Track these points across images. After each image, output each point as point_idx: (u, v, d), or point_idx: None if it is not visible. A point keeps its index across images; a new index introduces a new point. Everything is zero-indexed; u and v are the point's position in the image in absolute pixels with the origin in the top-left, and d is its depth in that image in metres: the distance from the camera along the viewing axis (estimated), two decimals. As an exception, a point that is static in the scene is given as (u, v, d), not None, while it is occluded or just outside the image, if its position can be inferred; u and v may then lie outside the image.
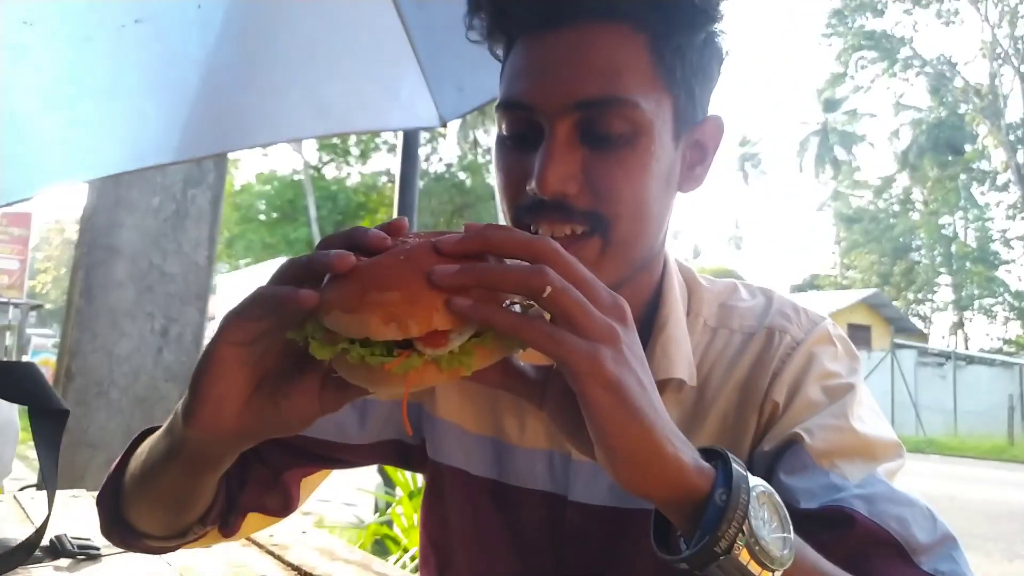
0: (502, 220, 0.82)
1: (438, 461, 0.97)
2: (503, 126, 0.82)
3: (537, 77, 0.78)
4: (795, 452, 0.79)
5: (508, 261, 0.57)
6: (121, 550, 0.88)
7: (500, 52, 0.86)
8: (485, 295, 0.53)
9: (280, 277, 0.58)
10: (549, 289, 0.52)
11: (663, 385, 0.84)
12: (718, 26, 0.82)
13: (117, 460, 0.85)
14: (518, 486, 0.93)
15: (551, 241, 0.56)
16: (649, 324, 0.88)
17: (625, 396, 0.54)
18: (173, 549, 0.87)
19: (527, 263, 0.55)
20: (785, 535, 0.57)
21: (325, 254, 0.54)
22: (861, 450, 0.78)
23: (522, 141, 0.80)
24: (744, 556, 0.55)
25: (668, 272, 0.91)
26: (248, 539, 1.14)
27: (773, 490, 0.59)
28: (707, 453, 0.61)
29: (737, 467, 0.58)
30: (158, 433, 0.76)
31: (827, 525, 0.71)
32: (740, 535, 0.55)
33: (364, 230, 0.57)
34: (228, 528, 0.91)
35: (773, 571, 0.56)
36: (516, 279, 0.53)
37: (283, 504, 0.97)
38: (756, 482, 0.58)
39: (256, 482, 0.93)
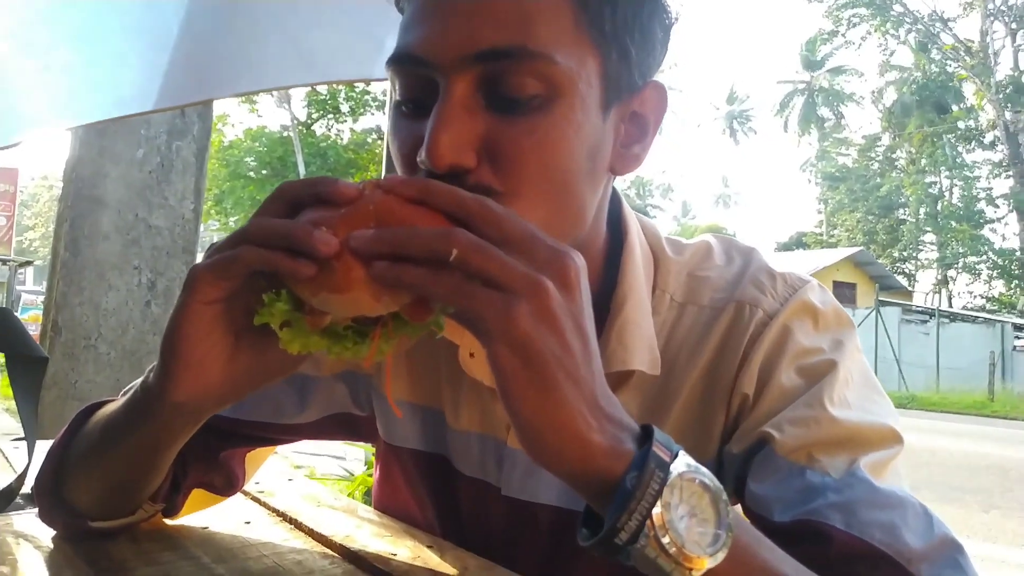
0: None
1: (391, 444, 0.92)
2: (396, 87, 0.69)
3: (432, 24, 0.64)
4: (765, 455, 0.68)
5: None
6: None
7: (404, 4, 0.72)
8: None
9: (255, 236, 0.54)
10: (455, 252, 0.49)
11: (621, 377, 0.75)
12: None
13: (56, 441, 0.81)
14: (458, 469, 0.86)
15: (484, 200, 0.53)
16: (603, 306, 0.75)
17: (533, 359, 0.49)
18: (116, 531, 0.83)
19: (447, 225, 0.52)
20: (717, 531, 0.51)
21: (308, 232, 0.50)
22: (842, 440, 0.67)
23: (417, 105, 0.67)
24: (652, 549, 0.49)
25: (628, 244, 0.78)
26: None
27: (708, 476, 0.52)
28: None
29: (657, 450, 0.51)
30: (115, 407, 0.73)
31: (802, 542, 0.61)
32: (647, 526, 0.49)
33: (331, 181, 0.53)
34: (172, 508, 0.88)
35: (690, 570, 0.49)
36: (424, 244, 0.50)
37: (227, 482, 0.94)
38: (682, 467, 0.51)
39: (198, 461, 0.87)
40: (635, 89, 0.70)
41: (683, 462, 0.51)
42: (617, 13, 0.66)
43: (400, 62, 0.67)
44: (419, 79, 0.66)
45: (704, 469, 0.52)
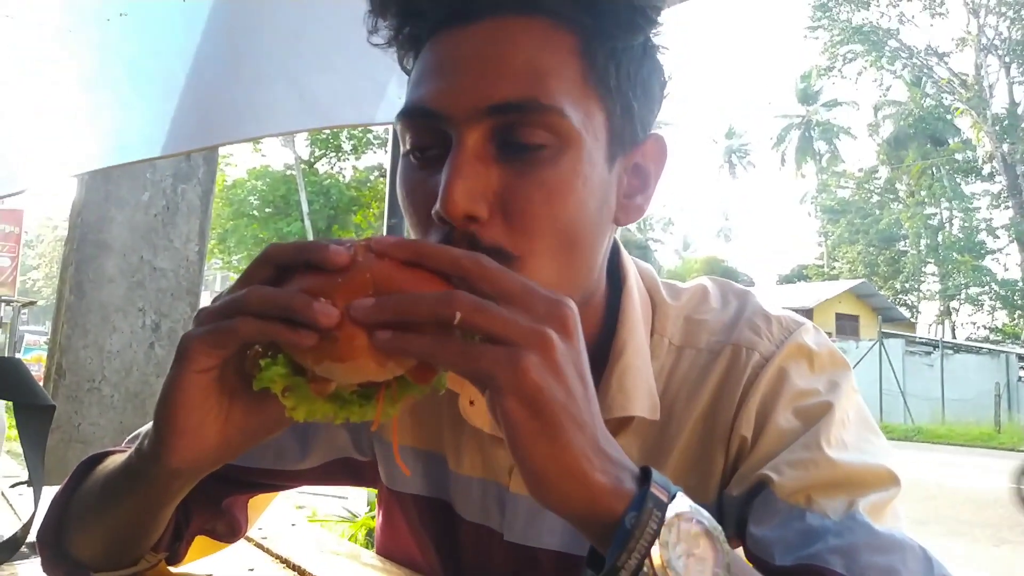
0: None
1: (393, 489, 0.93)
2: (406, 139, 0.70)
3: (444, 78, 0.66)
4: (765, 498, 0.69)
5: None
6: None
7: (409, 63, 0.74)
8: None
9: (253, 306, 0.53)
10: (459, 315, 0.50)
11: (621, 423, 0.76)
12: (657, 37, 0.72)
13: (58, 493, 0.81)
14: (459, 514, 0.86)
15: (478, 257, 0.53)
16: (604, 352, 0.76)
17: (542, 409, 0.50)
18: None
19: (444, 288, 0.53)
20: (715, 569, 0.51)
21: (307, 303, 0.50)
22: (840, 482, 0.68)
23: (429, 156, 0.68)
24: None
25: (627, 291, 0.79)
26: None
27: (706, 516, 0.53)
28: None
29: (655, 491, 0.52)
30: (114, 467, 0.73)
31: None
32: (646, 564, 0.50)
33: (322, 247, 0.53)
34: (175, 556, 0.88)
35: None
36: (427, 309, 0.51)
37: (230, 529, 0.94)
38: (679, 508, 0.52)
39: (201, 509, 0.88)
40: (637, 142, 0.73)
41: (681, 503, 0.52)
42: (621, 70, 0.69)
43: (412, 115, 0.68)
44: (431, 132, 0.67)
45: (702, 510, 0.53)
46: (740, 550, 0.78)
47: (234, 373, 0.59)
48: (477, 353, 0.50)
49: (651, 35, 0.72)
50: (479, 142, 0.65)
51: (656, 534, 0.50)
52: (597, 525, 0.53)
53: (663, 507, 0.51)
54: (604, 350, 0.77)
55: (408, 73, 0.74)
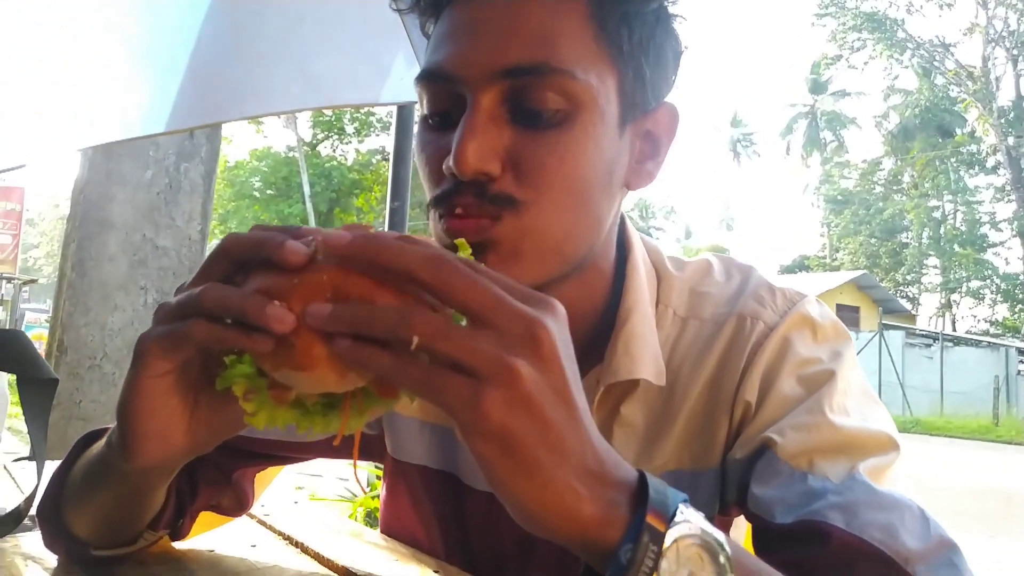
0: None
1: (398, 459, 0.93)
2: (423, 102, 0.72)
3: (460, 43, 0.69)
4: (767, 459, 0.70)
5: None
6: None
7: (430, 29, 0.76)
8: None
9: (208, 308, 0.50)
10: (416, 339, 0.45)
11: (628, 387, 0.77)
12: (673, 6, 0.74)
13: (56, 469, 0.80)
14: (468, 484, 0.86)
15: (440, 263, 0.47)
16: (610, 319, 0.78)
17: (514, 447, 0.46)
18: (123, 557, 0.82)
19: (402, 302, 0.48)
20: None
21: (261, 308, 0.46)
22: (842, 446, 0.69)
23: (445, 119, 0.70)
24: None
25: (632, 260, 0.81)
26: (240, 508, 1.14)
27: (706, 532, 0.49)
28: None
29: (651, 520, 0.48)
30: (95, 454, 0.72)
31: (802, 542, 0.63)
32: None
33: (278, 244, 0.49)
34: (179, 532, 0.88)
35: None
36: (383, 327, 0.46)
37: (238, 503, 0.95)
38: (678, 532, 0.48)
39: (207, 484, 0.88)
40: (649, 109, 0.74)
41: (680, 527, 0.49)
42: (633, 34, 0.71)
43: (429, 78, 0.70)
44: (447, 94, 0.69)
45: (703, 521, 0.50)
46: (741, 519, 0.81)
47: (199, 367, 0.57)
48: (438, 384, 0.46)
49: (666, 3, 0.74)
50: (493, 104, 0.67)
51: (653, 568, 0.47)
52: (591, 551, 0.50)
53: (660, 539, 0.48)
54: (611, 316, 0.78)
55: (428, 38, 0.76)
